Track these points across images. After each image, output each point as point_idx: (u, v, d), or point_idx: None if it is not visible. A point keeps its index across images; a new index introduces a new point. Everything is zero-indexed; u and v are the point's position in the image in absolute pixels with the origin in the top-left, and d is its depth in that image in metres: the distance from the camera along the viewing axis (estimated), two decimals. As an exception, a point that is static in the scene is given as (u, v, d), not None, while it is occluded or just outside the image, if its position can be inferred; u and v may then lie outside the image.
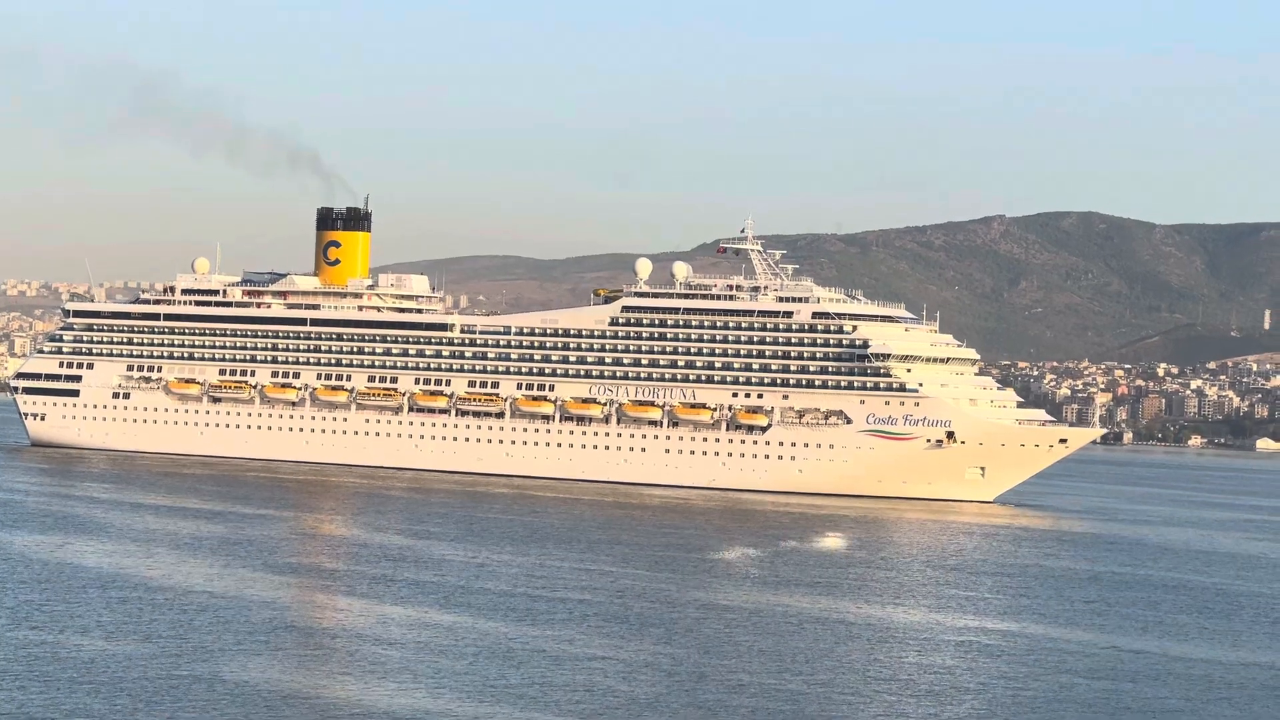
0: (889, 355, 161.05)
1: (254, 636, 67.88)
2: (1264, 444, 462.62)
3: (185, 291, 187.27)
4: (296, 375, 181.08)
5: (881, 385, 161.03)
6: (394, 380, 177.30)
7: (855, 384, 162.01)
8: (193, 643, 65.93)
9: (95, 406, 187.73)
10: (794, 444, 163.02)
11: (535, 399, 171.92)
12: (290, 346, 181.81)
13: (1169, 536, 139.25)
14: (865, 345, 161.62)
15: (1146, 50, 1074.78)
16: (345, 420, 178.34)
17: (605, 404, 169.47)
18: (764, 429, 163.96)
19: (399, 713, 56.13)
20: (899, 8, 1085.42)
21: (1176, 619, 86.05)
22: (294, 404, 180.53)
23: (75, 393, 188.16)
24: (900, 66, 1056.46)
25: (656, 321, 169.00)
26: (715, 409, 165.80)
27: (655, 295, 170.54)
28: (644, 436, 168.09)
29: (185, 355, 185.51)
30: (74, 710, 54.56)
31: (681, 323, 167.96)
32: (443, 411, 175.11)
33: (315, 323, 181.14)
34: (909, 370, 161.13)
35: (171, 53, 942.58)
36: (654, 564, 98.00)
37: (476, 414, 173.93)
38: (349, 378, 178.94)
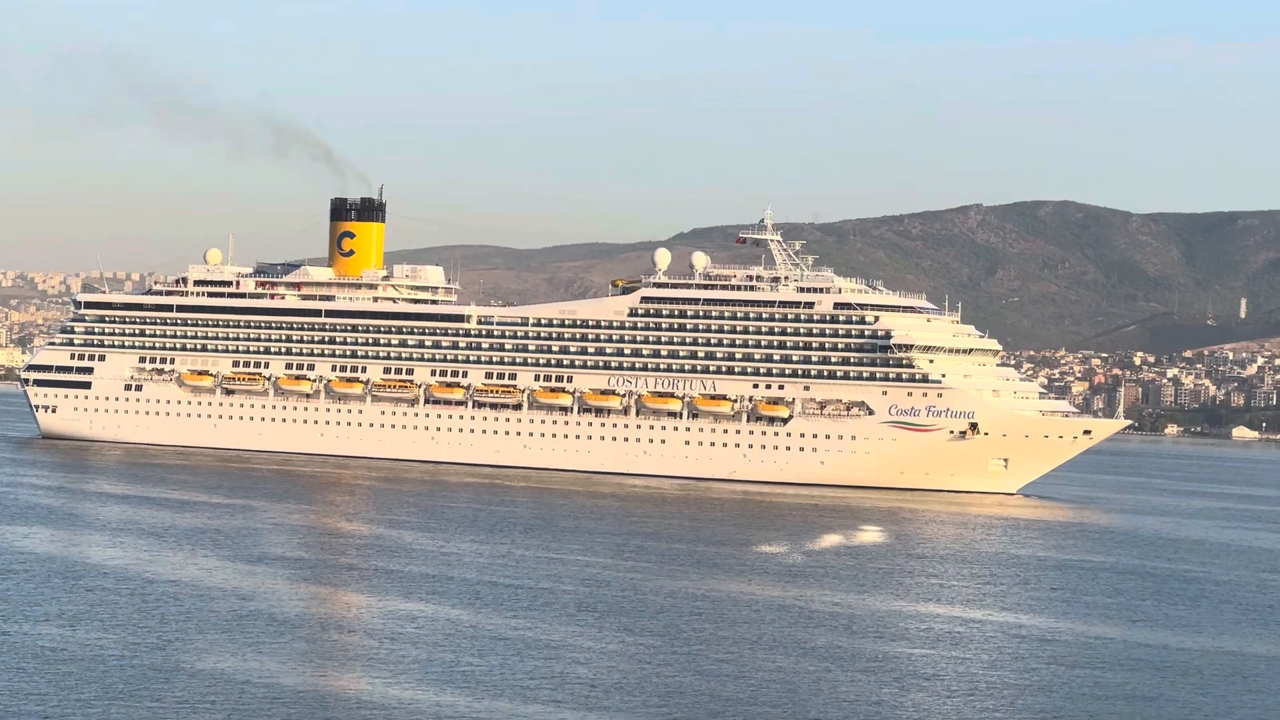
0: (911, 346, 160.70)
1: (219, 625, 68.64)
2: (1240, 432, 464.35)
3: (198, 283, 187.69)
4: (311, 367, 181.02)
5: (904, 376, 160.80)
6: (410, 372, 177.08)
7: (877, 375, 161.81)
8: (156, 632, 66.70)
9: (107, 399, 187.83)
10: (815, 435, 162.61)
11: (553, 390, 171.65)
12: (304, 338, 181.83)
13: (1141, 524, 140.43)
14: (888, 336, 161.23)
15: (1122, 39, 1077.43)
16: (360, 412, 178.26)
17: (624, 395, 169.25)
18: (785, 420, 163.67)
19: (419, 706, 56.75)
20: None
21: (1139, 605, 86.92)
22: (308, 396, 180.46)
23: (87, 385, 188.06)
24: (877, 57, 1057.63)
25: (676, 312, 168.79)
26: (736, 400, 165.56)
27: (674, 286, 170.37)
28: (663, 428, 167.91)
29: (198, 347, 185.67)
30: (33, 695, 55.41)
31: (701, 313, 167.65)
32: (459, 403, 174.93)
33: (330, 314, 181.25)
34: (931, 361, 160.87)
35: (153, 40, 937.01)
36: (678, 560, 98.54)
37: (494, 406, 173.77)
38: (364, 369, 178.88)
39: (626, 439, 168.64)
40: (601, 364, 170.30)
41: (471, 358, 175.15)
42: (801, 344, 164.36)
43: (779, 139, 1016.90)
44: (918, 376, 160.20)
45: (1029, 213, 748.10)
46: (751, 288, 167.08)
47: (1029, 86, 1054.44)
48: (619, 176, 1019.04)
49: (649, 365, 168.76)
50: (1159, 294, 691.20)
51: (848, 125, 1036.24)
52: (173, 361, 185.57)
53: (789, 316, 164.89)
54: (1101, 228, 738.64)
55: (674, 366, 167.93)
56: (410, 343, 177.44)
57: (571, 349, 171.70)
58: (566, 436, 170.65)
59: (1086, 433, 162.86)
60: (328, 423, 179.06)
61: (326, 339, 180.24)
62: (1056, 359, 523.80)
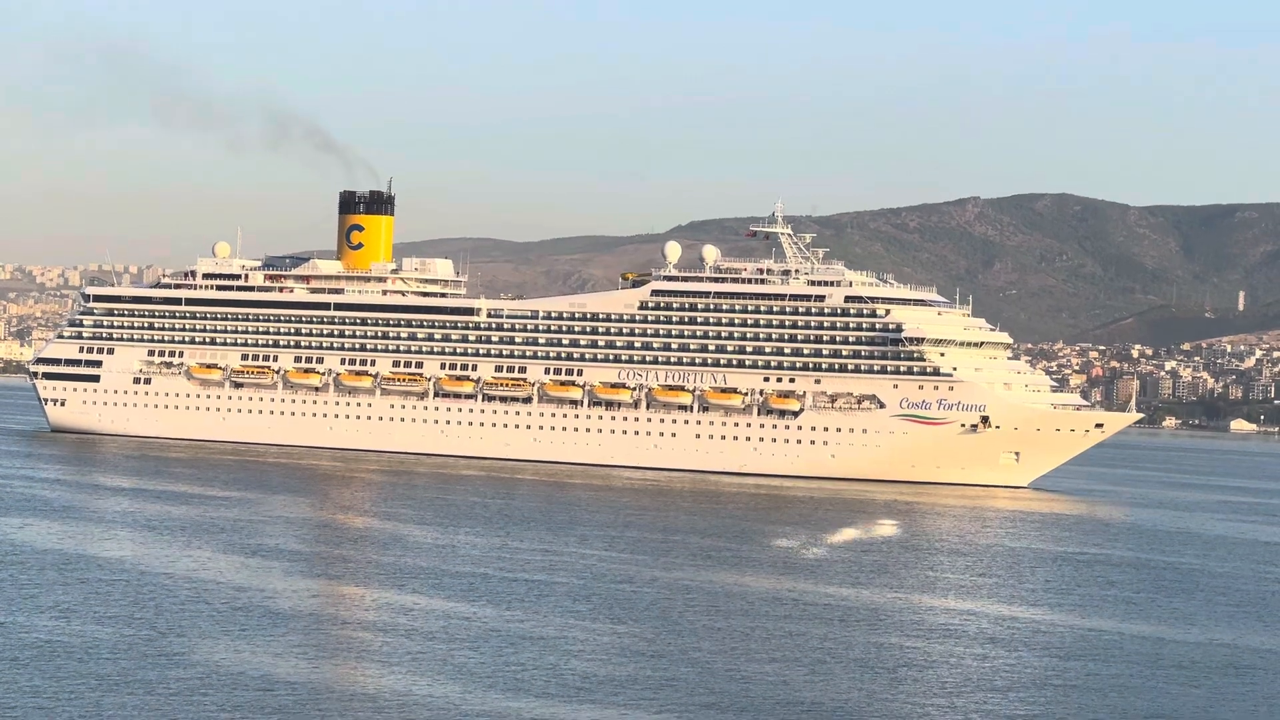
0: (923, 339, 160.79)
1: (213, 617, 69.01)
2: (1238, 425, 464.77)
3: (206, 276, 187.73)
4: (320, 360, 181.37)
5: (915, 369, 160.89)
6: (419, 365, 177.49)
7: (889, 368, 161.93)
8: (150, 624, 67.01)
9: (116, 392, 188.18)
10: (826, 429, 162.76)
11: (563, 384, 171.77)
12: (313, 331, 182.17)
13: (1139, 517, 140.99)
14: (899, 329, 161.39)
15: (1120, 33, 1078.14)
16: (370, 406, 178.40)
17: (634, 389, 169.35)
18: (796, 414, 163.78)
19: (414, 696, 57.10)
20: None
21: (1134, 598, 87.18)
22: (317, 389, 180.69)
23: (96, 378, 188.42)
24: (874, 51, 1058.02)
25: (686, 305, 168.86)
26: (746, 393, 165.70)
27: (685, 279, 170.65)
28: (674, 421, 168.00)
29: (207, 340, 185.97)
30: (26, 686, 55.65)
31: (712, 306, 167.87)
32: (469, 396, 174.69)
33: (339, 307, 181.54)
34: (943, 354, 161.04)
35: (153, 33, 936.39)
36: (679, 552, 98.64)
37: (503, 399, 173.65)
38: (373, 362, 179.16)
39: (637, 432, 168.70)
40: (612, 357, 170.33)
41: (481, 351, 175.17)
42: (812, 337, 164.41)
43: (777, 132, 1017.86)
44: (929, 370, 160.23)
45: (1027, 205, 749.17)
46: (762, 281, 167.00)
47: (1028, 79, 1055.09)
48: (617, 170, 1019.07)
49: (659, 358, 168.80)
50: (1157, 287, 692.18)
51: (845, 118, 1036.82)
52: (181, 354, 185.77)
53: (800, 309, 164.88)
54: (1099, 220, 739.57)
55: (684, 359, 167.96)
56: (419, 336, 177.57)
57: (582, 342, 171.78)
58: (576, 430, 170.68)
59: (1098, 426, 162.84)
60: (337, 416, 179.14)
61: (335, 332, 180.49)
62: (1054, 352, 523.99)
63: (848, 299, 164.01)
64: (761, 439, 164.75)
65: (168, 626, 66.13)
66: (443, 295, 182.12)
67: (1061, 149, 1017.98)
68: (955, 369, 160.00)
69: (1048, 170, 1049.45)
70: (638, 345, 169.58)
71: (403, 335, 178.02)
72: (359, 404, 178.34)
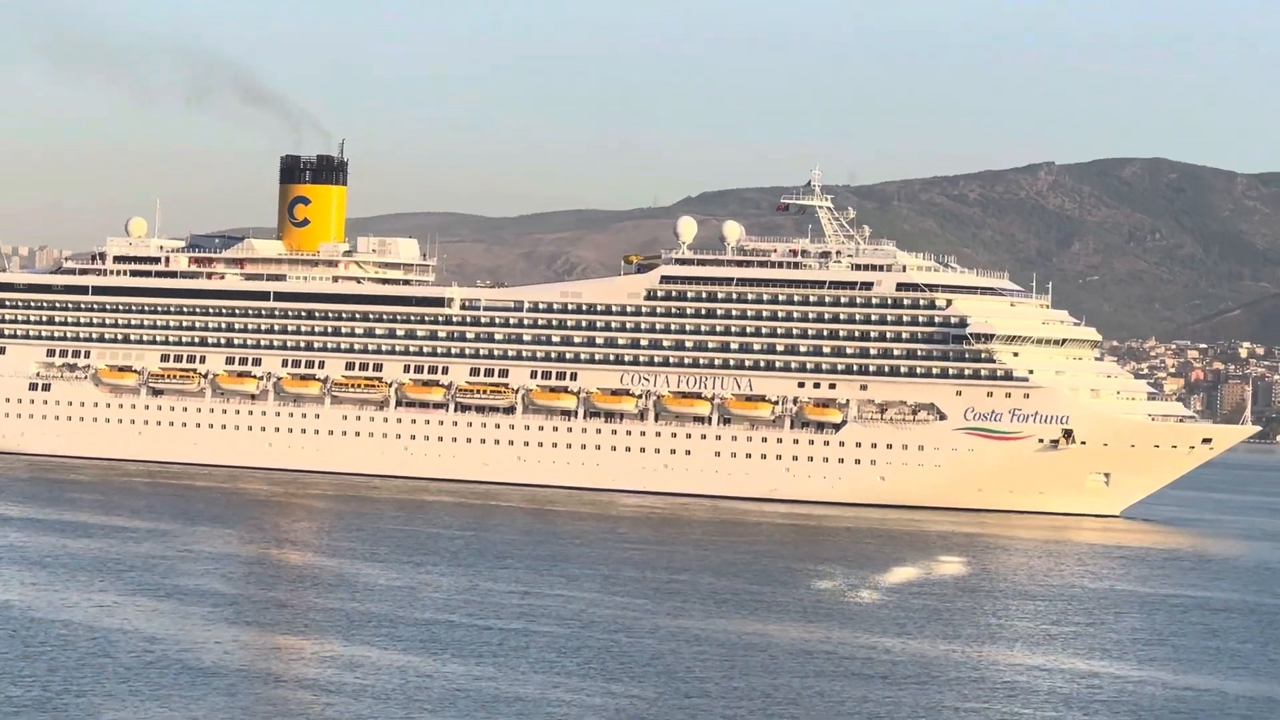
0: (992, 336, 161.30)
1: (119, 675, 69.03)
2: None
3: (118, 259, 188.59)
4: (257, 362, 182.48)
5: (983, 373, 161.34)
6: (378, 368, 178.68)
7: (950, 371, 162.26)
8: (42, 683, 67.01)
9: (7, 400, 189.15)
10: (874, 445, 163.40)
11: (554, 391, 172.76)
12: (249, 326, 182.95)
13: (1243, 552, 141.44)
14: (962, 323, 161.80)
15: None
16: (318, 417, 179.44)
17: (640, 397, 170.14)
18: (837, 427, 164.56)
19: None
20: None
21: (1239, 650, 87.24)
22: (254, 397, 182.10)
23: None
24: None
25: (703, 295, 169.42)
26: (777, 402, 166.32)
27: (701, 263, 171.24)
28: (688, 437, 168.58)
29: (119, 337, 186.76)
30: None
31: (734, 296, 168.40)
32: (439, 406, 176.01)
33: (280, 297, 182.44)
34: (1016, 354, 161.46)
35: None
36: (687, 595, 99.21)
37: (481, 409, 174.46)
38: (322, 365, 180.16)
39: (643, 449, 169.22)
40: (612, 358, 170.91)
41: (454, 350, 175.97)
42: (857, 333, 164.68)
43: (807, 84, 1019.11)
44: (999, 373, 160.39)
45: (1111, 172, 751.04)
46: (796, 265, 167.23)
47: (1112, 24, 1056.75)
48: (611, 130, 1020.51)
49: (670, 360, 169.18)
50: (1270, 271, 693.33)
51: (891, 68, 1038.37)
52: (88, 355, 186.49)
53: (842, 300, 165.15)
54: (1200, 191, 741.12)
55: (701, 361, 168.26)
56: (378, 332, 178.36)
57: (576, 340, 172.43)
58: (570, 446, 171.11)
59: (1206, 441, 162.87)
60: (278, 430, 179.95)
61: (276, 328, 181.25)
62: (1145, 351, 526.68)
63: (900, 286, 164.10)
64: (795, 457, 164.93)
65: (63, 686, 66.11)
66: (406, 283, 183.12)
67: (1154, 106, 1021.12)
68: (1031, 372, 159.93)
69: (1137, 131, 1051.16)
70: (644, 344, 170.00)
71: (358, 331, 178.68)
72: (304, 415, 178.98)
